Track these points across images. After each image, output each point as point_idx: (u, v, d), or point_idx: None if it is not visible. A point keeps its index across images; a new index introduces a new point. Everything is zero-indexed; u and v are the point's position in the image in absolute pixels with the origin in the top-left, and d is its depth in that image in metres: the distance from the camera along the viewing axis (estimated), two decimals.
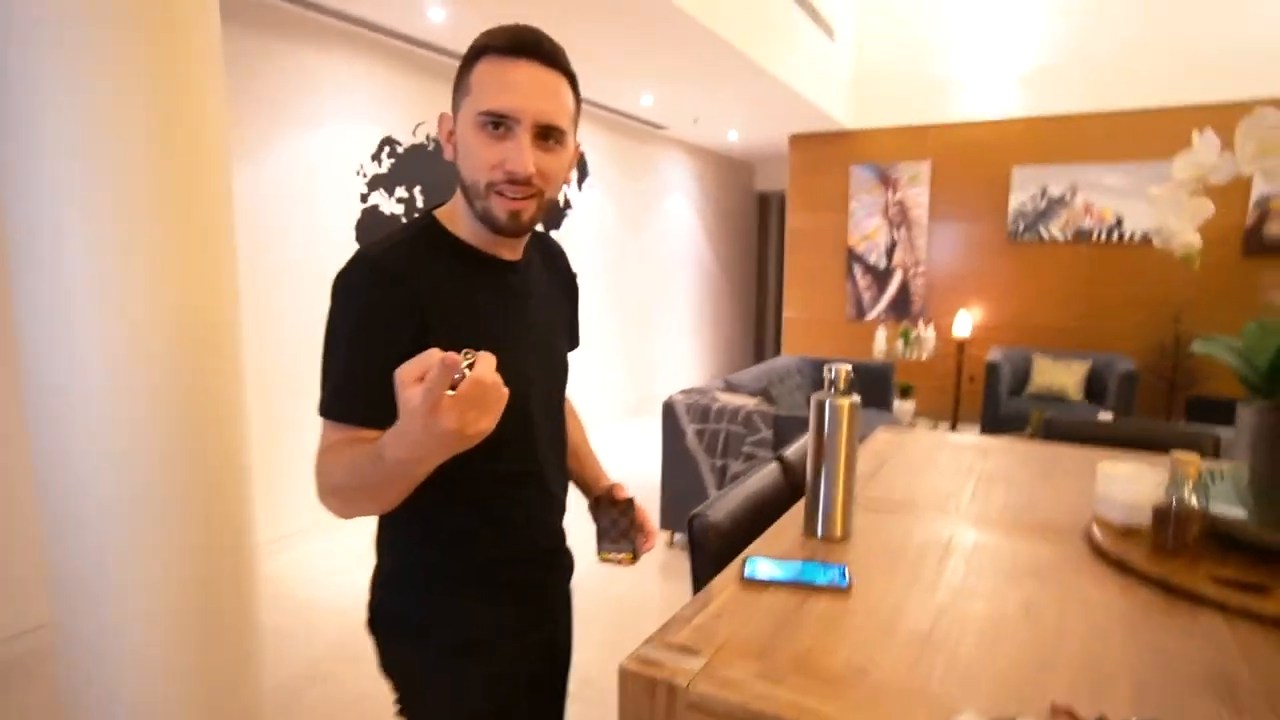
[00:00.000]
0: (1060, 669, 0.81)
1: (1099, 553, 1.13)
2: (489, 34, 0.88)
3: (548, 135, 0.88)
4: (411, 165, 4.11)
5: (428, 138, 4.19)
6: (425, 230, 0.95)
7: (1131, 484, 1.18)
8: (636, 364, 6.57)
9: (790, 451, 1.59)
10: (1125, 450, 1.80)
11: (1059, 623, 0.92)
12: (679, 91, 5.10)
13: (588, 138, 5.63)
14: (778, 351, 9.21)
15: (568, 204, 5.45)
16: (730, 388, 3.79)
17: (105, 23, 1.42)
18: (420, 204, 4.17)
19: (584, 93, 5.82)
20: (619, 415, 6.27)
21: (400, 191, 4.03)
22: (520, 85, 0.86)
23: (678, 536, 3.62)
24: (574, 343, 1.20)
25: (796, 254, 6.75)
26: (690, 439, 3.41)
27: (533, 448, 1.01)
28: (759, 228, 9.19)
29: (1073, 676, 0.80)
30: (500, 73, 0.86)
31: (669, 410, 3.48)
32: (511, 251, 0.99)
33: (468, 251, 0.95)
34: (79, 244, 1.46)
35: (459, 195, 0.95)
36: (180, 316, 1.57)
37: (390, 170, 3.97)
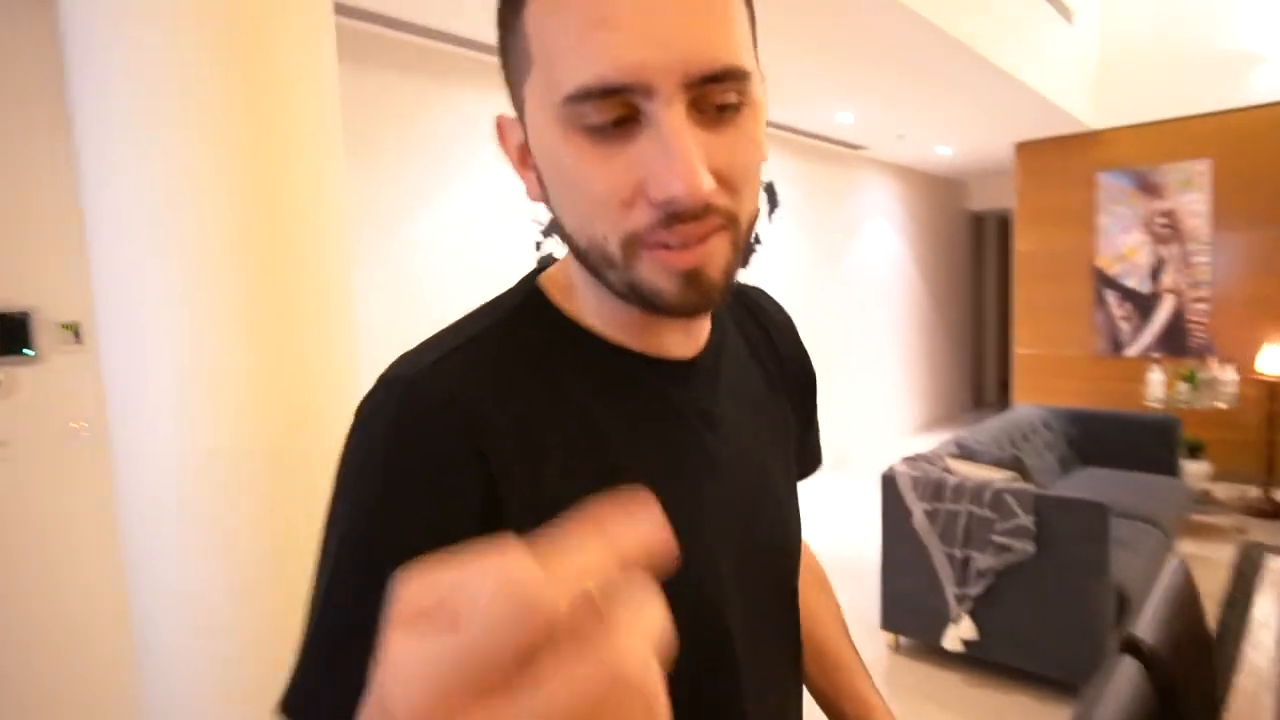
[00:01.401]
0: None
1: None
2: None
3: (716, 96, 0.40)
4: None
5: None
6: (517, 315, 0.49)
7: None
8: (836, 413, 5.85)
9: (1145, 629, 0.95)
10: None
11: None
12: (883, 104, 4.47)
13: (772, 162, 5.11)
14: (1003, 394, 8.01)
15: (757, 239, 4.95)
16: (965, 454, 3.05)
17: (185, 59, 1.15)
18: None
19: (769, 114, 5.22)
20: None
21: None
22: (631, 4, 0.38)
23: (903, 641, 2.92)
24: (810, 464, 0.72)
25: (1028, 280, 5.73)
26: (918, 520, 2.74)
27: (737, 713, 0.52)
28: (974, 252, 8.12)
29: None
30: None
31: (890, 485, 2.83)
32: (684, 339, 0.52)
33: (599, 350, 0.49)
34: (166, 337, 1.19)
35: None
36: (286, 418, 1.26)
37: None
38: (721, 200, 0.42)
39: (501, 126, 0.48)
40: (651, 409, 0.50)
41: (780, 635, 0.59)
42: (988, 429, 3.53)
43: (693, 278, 0.43)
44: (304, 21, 1.29)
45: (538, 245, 3.57)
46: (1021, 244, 5.75)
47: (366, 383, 0.46)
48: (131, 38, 1.13)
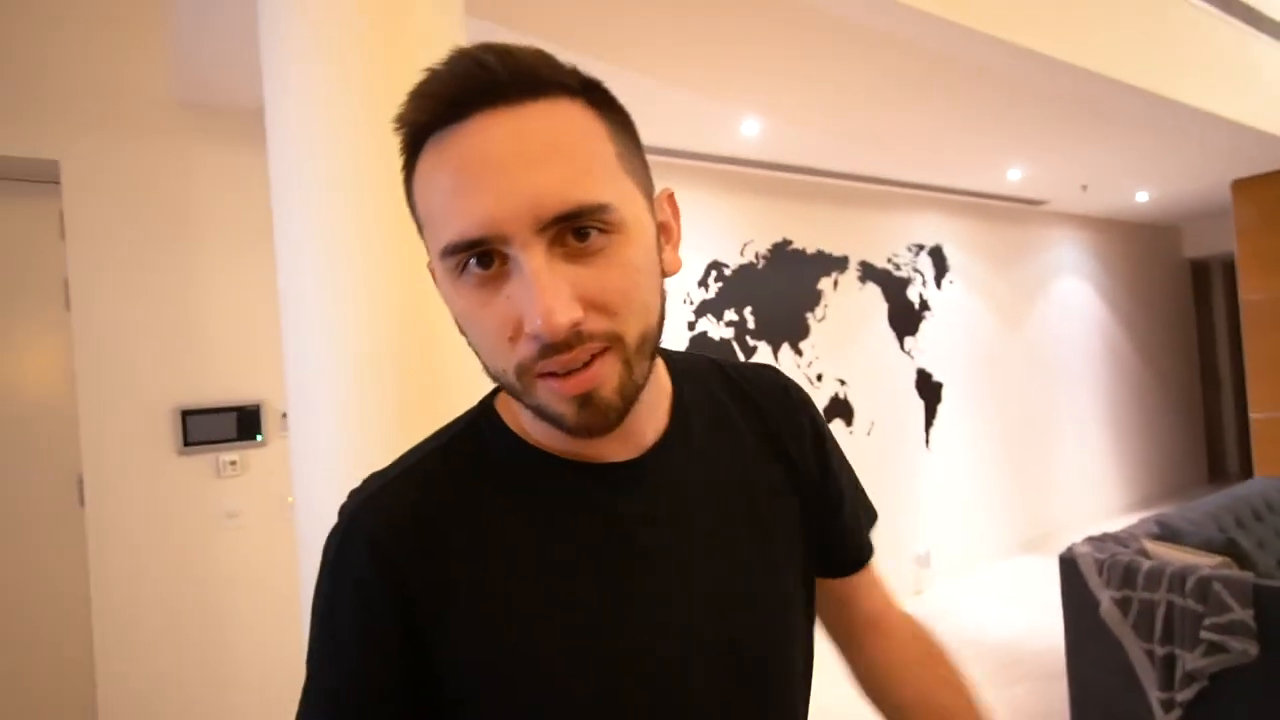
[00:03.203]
0: None
1: None
2: (414, 96, 0.48)
3: (582, 231, 0.46)
4: (741, 285, 3.93)
5: (756, 255, 4.00)
6: (463, 433, 0.58)
7: None
8: (1027, 487, 5.33)
9: None
10: None
11: None
12: (1057, 159, 4.21)
13: (939, 226, 4.93)
14: (1246, 464, 6.86)
15: (925, 305, 4.76)
16: (1166, 534, 2.69)
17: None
18: (751, 326, 3.94)
19: (926, 176, 5.01)
20: (1005, 553, 5.07)
21: (730, 314, 3.86)
22: (480, 168, 0.45)
23: None
24: (850, 553, 0.69)
25: (1258, 333, 4.97)
26: (1106, 609, 2.44)
27: None
28: (1196, 304, 7.19)
29: None
30: (445, 162, 0.46)
31: (1069, 568, 2.56)
32: (620, 444, 0.56)
33: (533, 460, 0.55)
34: (333, 426, 1.43)
35: None
36: None
37: (718, 294, 3.83)
38: (598, 325, 0.46)
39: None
40: (576, 510, 0.54)
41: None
42: (1203, 506, 3.08)
43: (586, 401, 0.47)
44: None
45: (690, 325, 3.71)
46: (1247, 292, 5.04)
47: None
48: (315, 153, 1.42)
